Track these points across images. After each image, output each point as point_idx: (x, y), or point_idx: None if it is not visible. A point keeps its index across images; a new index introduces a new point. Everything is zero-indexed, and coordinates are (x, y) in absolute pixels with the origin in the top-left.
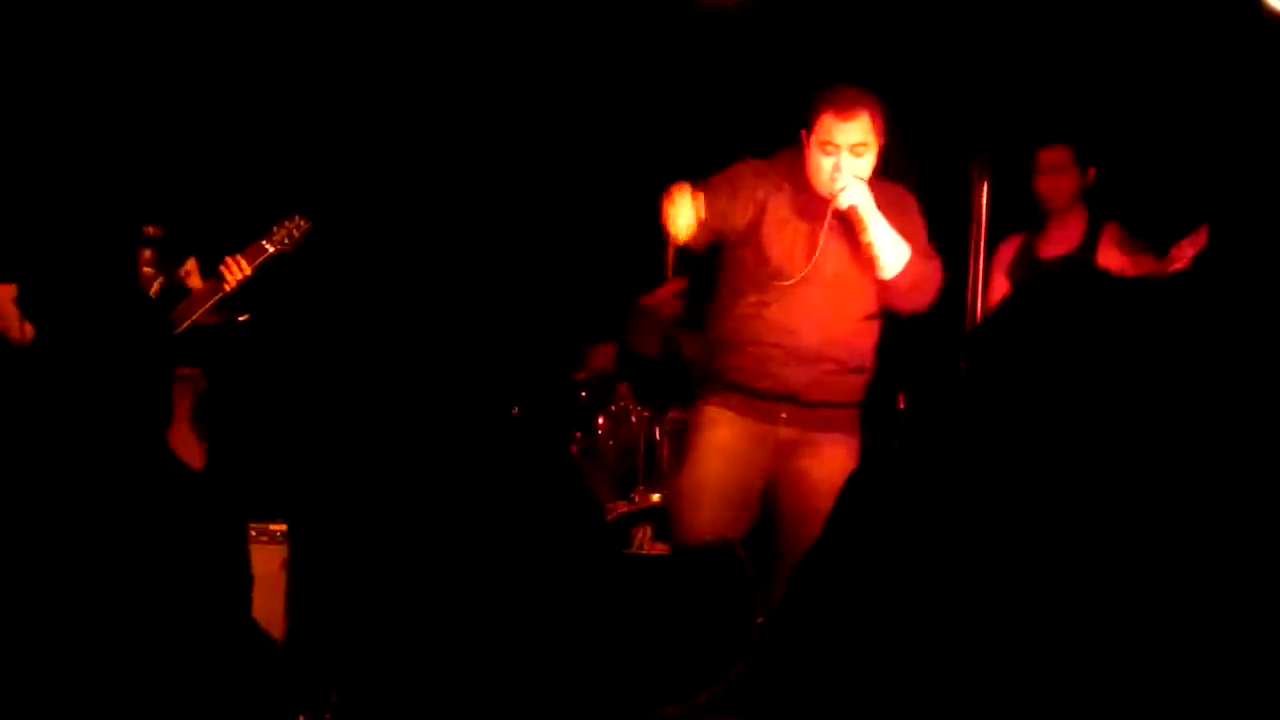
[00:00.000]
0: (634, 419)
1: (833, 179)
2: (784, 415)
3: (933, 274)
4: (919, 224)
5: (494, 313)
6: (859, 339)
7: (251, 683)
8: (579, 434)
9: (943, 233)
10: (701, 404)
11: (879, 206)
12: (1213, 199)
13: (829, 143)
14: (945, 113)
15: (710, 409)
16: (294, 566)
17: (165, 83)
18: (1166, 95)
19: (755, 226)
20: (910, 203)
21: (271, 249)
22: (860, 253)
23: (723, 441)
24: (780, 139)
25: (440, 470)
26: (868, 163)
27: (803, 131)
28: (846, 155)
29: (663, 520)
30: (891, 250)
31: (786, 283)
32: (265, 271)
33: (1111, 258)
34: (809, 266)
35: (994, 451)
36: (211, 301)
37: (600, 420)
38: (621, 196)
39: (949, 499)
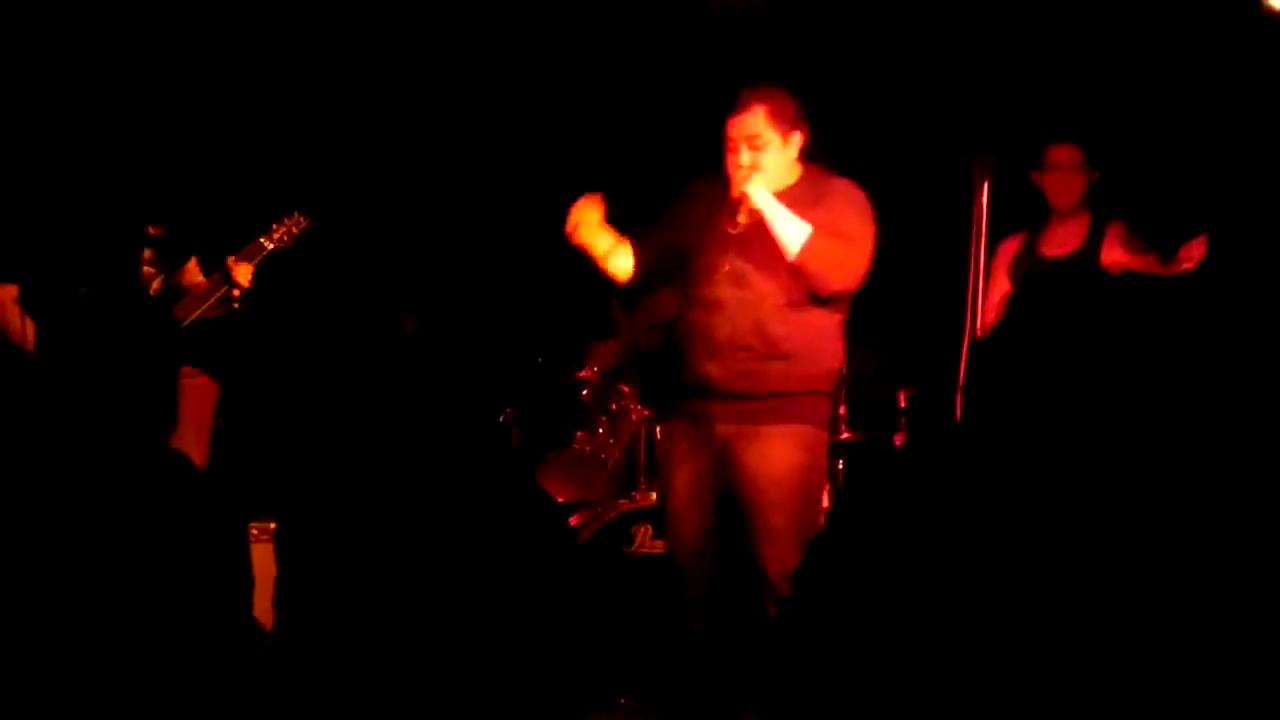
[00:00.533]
0: (635, 417)
1: (732, 173)
2: (716, 411)
3: (841, 253)
4: (845, 213)
5: (496, 311)
6: (775, 326)
7: (251, 682)
8: (580, 433)
9: (943, 232)
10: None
11: (795, 194)
12: (1214, 199)
13: (730, 138)
14: (947, 111)
15: (669, 424)
16: (281, 562)
17: (166, 83)
18: (1166, 95)
19: (693, 236)
20: (840, 190)
21: (270, 246)
22: (771, 243)
23: (676, 454)
24: None
25: (428, 471)
26: (769, 154)
27: None
28: (744, 149)
29: (662, 519)
30: (786, 231)
31: (701, 279)
32: (262, 268)
33: (1115, 257)
34: (714, 260)
35: (996, 451)
36: (213, 299)
37: (601, 419)
38: (626, 195)
39: (950, 499)
